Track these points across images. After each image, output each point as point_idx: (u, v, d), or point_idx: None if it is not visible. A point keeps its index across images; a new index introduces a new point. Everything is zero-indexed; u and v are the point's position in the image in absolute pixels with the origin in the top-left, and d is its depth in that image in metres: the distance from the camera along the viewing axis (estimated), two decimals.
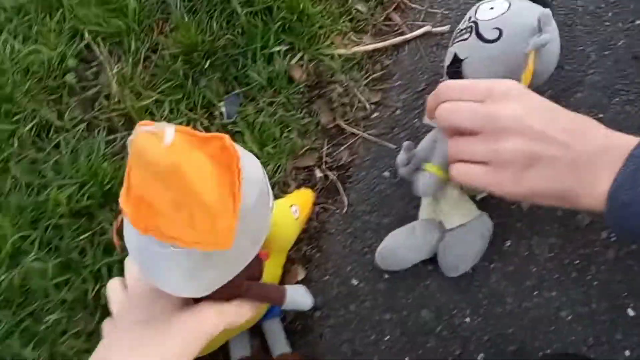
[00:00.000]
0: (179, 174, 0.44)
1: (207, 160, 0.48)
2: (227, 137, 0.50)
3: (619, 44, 1.16)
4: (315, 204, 1.12)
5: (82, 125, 1.17)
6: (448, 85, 0.71)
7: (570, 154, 0.60)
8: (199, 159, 0.48)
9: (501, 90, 0.66)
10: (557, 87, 1.15)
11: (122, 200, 0.48)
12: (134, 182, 0.49)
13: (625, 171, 0.55)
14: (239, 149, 0.53)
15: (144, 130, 0.47)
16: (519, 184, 0.64)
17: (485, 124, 0.65)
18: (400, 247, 1.00)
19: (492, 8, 0.91)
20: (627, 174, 0.55)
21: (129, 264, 0.70)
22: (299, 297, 0.91)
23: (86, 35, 1.18)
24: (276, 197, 1.14)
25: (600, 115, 1.09)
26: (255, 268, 0.69)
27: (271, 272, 0.95)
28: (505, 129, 0.63)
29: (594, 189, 0.58)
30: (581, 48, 1.17)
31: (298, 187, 1.14)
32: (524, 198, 0.67)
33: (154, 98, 1.13)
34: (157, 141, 0.46)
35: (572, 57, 1.17)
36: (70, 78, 1.18)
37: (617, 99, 1.10)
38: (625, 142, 0.58)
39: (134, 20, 1.18)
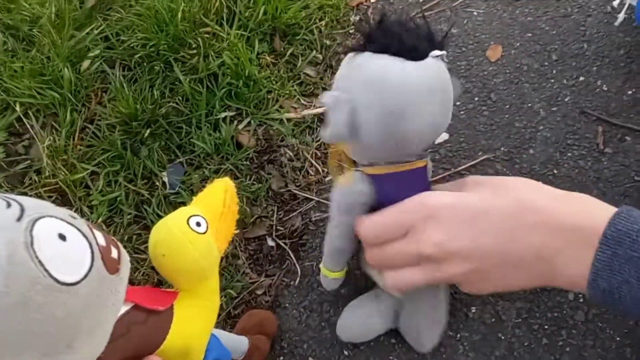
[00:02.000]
0: None
1: None
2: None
3: (566, 99, 1.17)
4: (266, 274, 1.04)
5: None
6: (366, 230, 0.69)
7: (511, 257, 0.57)
8: None
9: (420, 218, 0.62)
10: (509, 144, 1.13)
11: None
12: None
13: (601, 257, 0.52)
14: None
15: None
16: (474, 288, 0.62)
17: (418, 260, 0.64)
18: (363, 315, 0.92)
19: None
20: (604, 260, 0.52)
21: None
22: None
23: (17, 108, 1.12)
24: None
25: (555, 171, 1.07)
26: (148, 330, 0.53)
27: (201, 309, 0.64)
28: (437, 260, 0.61)
29: (568, 272, 0.55)
30: (529, 105, 1.18)
31: (248, 258, 1.06)
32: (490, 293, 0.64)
33: (89, 170, 1.06)
34: None
35: (522, 114, 1.17)
36: None
37: (569, 154, 1.09)
38: (576, 219, 0.55)
39: (70, 91, 1.12)
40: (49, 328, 0.37)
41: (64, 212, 0.43)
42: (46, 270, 0.37)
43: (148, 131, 1.10)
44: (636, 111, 1.12)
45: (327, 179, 1.14)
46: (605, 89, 1.16)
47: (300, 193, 1.13)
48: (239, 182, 1.10)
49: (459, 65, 1.26)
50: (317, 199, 1.12)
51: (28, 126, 1.11)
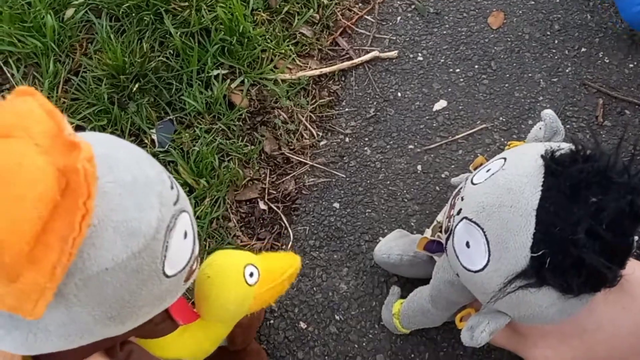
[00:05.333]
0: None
1: (50, 172, 0.31)
2: (90, 150, 0.32)
3: (567, 70, 1.15)
4: (258, 238, 1.02)
5: None
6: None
7: None
8: (34, 164, 0.30)
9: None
10: (508, 113, 1.12)
11: None
12: None
13: None
14: (115, 172, 0.36)
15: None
16: None
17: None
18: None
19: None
20: None
21: None
22: None
23: None
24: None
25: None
26: (155, 330, 0.55)
27: (193, 344, 0.66)
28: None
29: None
30: (530, 75, 1.16)
31: (239, 221, 1.04)
32: None
33: (74, 125, 1.00)
34: None
35: (522, 83, 1.15)
36: None
37: (568, 126, 1.08)
38: None
39: (53, 40, 1.06)
40: (131, 298, 0.39)
41: (190, 208, 0.47)
42: (164, 257, 0.40)
43: (137, 86, 1.05)
44: (637, 85, 1.11)
45: (322, 143, 1.12)
46: (607, 61, 1.15)
47: (293, 156, 1.10)
48: (231, 142, 1.06)
49: (459, 32, 1.23)
50: (311, 163, 1.09)
51: (8, 75, 1.05)
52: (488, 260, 0.54)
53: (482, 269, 0.55)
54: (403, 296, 0.89)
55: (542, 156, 0.52)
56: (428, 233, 0.91)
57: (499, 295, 0.55)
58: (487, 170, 0.59)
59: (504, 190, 0.53)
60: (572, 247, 0.48)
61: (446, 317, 0.78)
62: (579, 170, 0.49)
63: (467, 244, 0.57)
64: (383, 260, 0.92)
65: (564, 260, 0.49)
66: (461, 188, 0.64)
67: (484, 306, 0.62)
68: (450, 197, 0.74)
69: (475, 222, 0.56)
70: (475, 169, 0.71)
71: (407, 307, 0.84)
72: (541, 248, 0.50)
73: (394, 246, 0.92)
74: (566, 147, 0.53)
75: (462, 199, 0.60)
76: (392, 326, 0.89)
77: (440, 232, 0.73)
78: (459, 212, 0.60)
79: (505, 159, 0.58)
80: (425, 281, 0.80)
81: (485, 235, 0.54)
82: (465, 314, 0.69)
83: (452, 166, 1.07)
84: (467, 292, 0.64)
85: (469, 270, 0.58)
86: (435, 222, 0.87)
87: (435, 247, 0.71)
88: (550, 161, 0.51)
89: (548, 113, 0.67)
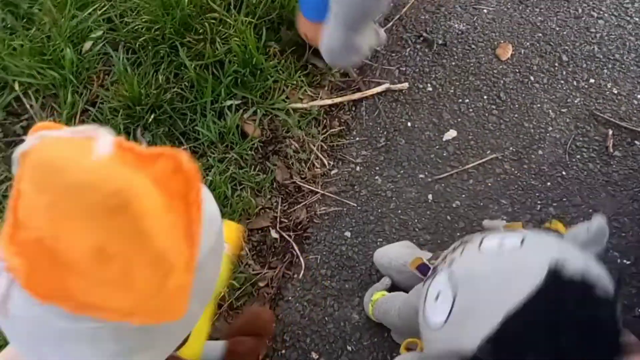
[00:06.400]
0: (125, 206, 0.29)
1: (152, 187, 0.32)
2: (183, 153, 0.34)
3: (576, 101, 1.16)
4: (269, 266, 1.02)
5: (9, 184, 1.04)
6: None
7: None
8: (144, 185, 0.31)
9: None
10: (518, 144, 1.13)
11: (4, 246, 0.30)
12: (28, 216, 0.30)
13: None
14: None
15: (56, 134, 0.30)
16: None
17: None
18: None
19: None
20: None
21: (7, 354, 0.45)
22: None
23: (16, 87, 1.08)
24: None
25: (564, 173, 1.06)
26: None
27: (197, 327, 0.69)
28: None
29: None
30: (539, 105, 1.17)
31: (251, 249, 1.04)
32: None
33: None
34: (82, 152, 0.29)
35: (531, 114, 1.16)
36: None
37: (578, 156, 1.09)
38: None
39: (71, 72, 1.09)
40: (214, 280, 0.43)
41: None
42: None
43: (152, 116, 1.07)
44: None
45: (333, 172, 1.13)
46: (616, 92, 1.16)
47: (305, 185, 1.11)
48: (244, 172, 1.08)
49: (468, 63, 1.25)
50: (322, 192, 1.10)
51: (27, 106, 1.07)
52: (444, 324, 0.53)
53: (435, 327, 0.55)
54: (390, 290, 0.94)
55: (550, 263, 0.49)
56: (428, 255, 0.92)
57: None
58: (500, 244, 0.56)
59: (498, 274, 0.52)
60: (522, 356, 0.46)
61: (406, 331, 0.82)
62: (565, 308, 0.46)
63: (437, 296, 0.56)
64: (377, 260, 0.98)
65: None
66: (468, 242, 0.63)
67: (425, 350, 0.63)
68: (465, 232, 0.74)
69: (454, 284, 0.54)
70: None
71: (382, 302, 0.91)
72: (493, 345, 0.48)
73: (392, 250, 0.97)
74: (578, 266, 0.49)
75: (461, 254, 0.59)
76: (367, 309, 0.96)
77: (434, 260, 0.73)
78: (450, 264, 0.59)
79: (522, 242, 0.54)
80: None
81: (454, 299, 0.53)
82: (412, 343, 0.70)
83: (463, 196, 1.07)
84: None
85: (425, 318, 0.57)
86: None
87: (425, 270, 0.71)
88: (551, 280, 0.48)
89: (599, 220, 0.58)
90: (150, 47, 1.14)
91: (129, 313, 0.31)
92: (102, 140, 0.31)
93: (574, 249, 0.54)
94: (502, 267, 0.52)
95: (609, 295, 0.47)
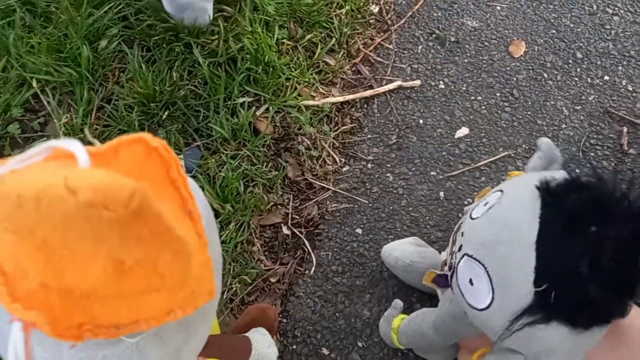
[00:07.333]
0: (143, 208, 0.27)
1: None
2: (148, 135, 0.31)
3: (590, 98, 1.15)
4: (281, 262, 1.03)
5: None
6: None
7: None
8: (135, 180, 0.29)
9: None
10: (531, 141, 1.12)
11: (9, 307, 0.27)
12: (18, 266, 0.27)
13: None
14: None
15: (7, 169, 0.27)
16: None
17: None
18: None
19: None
20: None
21: None
22: (264, 348, 0.80)
23: (34, 84, 1.10)
24: None
25: (577, 171, 1.06)
26: None
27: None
28: None
29: None
30: (552, 102, 1.16)
31: (263, 245, 1.05)
32: None
33: None
34: (59, 174, 0.26)
35: (544, 111, 1.15)
36: (13, 129, 1.08)
37: (592, 154, 1.08)
38: None
39: (87, 69, 1.10)
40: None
41: None
42: None
43: (166, 113, 1.08)
44: None
45: (344, 169, 1.13)
46: (631, 89, 1.15)
47: (316, 182, 1.11)
48: (256, 168, 1.09)
49: (480, 60, 1.24)
50: (333, 188, 1.10)
51: (45, 102, 1.09)
52: (493, 298, 0.53)
53: (488, 307, 0.55)
54: (404, 311, 0.90)
55: (536, 187, 0.51)
56: (443, 256, 0.91)
57: (507, 334, 0.53)
58: (485, 204, 0.57)
59: (501, 225, 0.52)
60: (575, 281, 0.47)
61: (445, 345, 0.79)
62: (575, 200, 0.48)
63: (471, 281, 0.56)
64: (384, 257, 0.97)
65: (569, 294, 0.48)
66: (461, 223, 0.64)
67: (494, 344, 0.61)
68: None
69: (476, 259, 0.55)
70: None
71: (407, 326, 0.85)
72: (544, 283, 0.48)
73: (398, 248, 0.96)
74: (561, 176, 0.52)
75: (462, 235, 0.59)
76: (389, 339, 0.91)
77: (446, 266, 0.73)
78: (460, 249, 0.59)
79: (502, 191, 0.56)
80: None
81: (487, 272, 0.53)
82: (481, 354, 0.68)
83: (475, 193, 1.07)
84: (472, 327, 0.64)
85: (474, 308, 0.57)
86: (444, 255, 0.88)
87: (443, 281, 0.71)
88: (546, 192, 0.50)
89: (544, 141, 0.65)
90: (164, 45, 1.15)
91: (167, 312, 0.30)
92: (77, 152, 0.28)
93: (541, 172, 0.56)
94: (500, 218, 0.53)
95: (598, 175, 0.49)
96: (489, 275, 0.53)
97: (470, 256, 0.56)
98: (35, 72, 1.10)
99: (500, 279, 0.52)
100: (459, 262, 0.58)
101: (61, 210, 0.25)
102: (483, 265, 0.54)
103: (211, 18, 1.16)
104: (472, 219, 0.58)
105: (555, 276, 0.48)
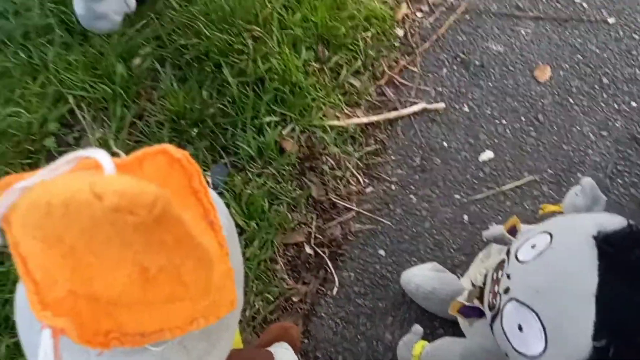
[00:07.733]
0: (165, 214, 0.27)
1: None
2: (171, 147, 0.32)
3: (617, 124, 1.15)
4: (303, 282, 1.04)
5: None
6: None
7: None
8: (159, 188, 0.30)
9: None
10: (556, 166, 1.12)
11: (39, 314, 0.28)
12: (47, 274, 0.28)
13: None
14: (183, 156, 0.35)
15: (34, 180, 0.28)
16: None
17: None
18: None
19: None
20: None
21: None
22: None
23: (70, 99, 1.14)
24: None
25: (605, 197, 1.05)
26: None
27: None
28: None
29: None
30: (579, 128, 1.16)
31: (286, 264, 1.06)
32: None
33: None
34: (85, 182, 0.26)
35: (570, 137, 1.15)
36: (49, 142, 1.11)
37: (619, 180, 1.07)
38: None
39: (121, 86, 1.14)
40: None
41: None
42: None
43: (196, 130, 1.11)
44: None
45: (368, 190, 1.14)
46: None
47: (340, 202, 1.12)
48: (281, 186, 1.10)
49: (505, 84, 1.25)
50: (357, 209, 1.11)
51: (80, 117, 1.13)
52: (546, 347, 0.52)
53: (540, 355, 0.53)
54: (426, 337, 0.89)
55: (594, 237, 0.50)
56: (463, 281, 0.91)
57: None
58: (533, 246, 0.56)
59: (558, 272, 0.51)
60: (637, 337, 0.46)
61: None
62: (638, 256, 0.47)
63: (520, 327, 0.55)
64: (404, 284, 0.96)
65: (630, 350, 0.47)
66: (503, 261, 0.61)
67: None
68: (481, 250, 0.72)
69: (528, 306, 0.53)
70: (509, 231, 0.70)
71: (431, 355, 0.82)
72: (603, 337, 0.47)
73: (419, 274, 0.95)
74: (616, 224, 0.50)
75: (509, 277, 0.58)
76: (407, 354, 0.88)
77: (478, 298, 0.71)
78: (506, 291, 0.57)
79: (550, 235, 0.55)
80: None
81: (540, 320, 0.52)
82: None
83: (500, 217, 1.07)
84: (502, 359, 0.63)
85: (522, 354, 0.56)
86: (469, 281, 0.86)
87: (471, 312, 0.70)
88: (604, 243, 0.49)
89: (588, 181, 0.64)
90: (195, 64, 1.18)
91: (191, 321, 0.31)
92: (103, 161, 0.29)
93: (591, 215, 0.55)
94: (555, 265, 0.52)
95: None
96: (542, 324, 0.52)
97: (521, 302, 0.54)
98: (72, 88, 1.15)
99: (555, 328, 0.51)
100: (506, 305, 0.57)
101: (87, 215, 0.26)
102: (536, 313, 0.53)
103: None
104: (519, 261, 0.57)
105: (615, 332, 0.47)
